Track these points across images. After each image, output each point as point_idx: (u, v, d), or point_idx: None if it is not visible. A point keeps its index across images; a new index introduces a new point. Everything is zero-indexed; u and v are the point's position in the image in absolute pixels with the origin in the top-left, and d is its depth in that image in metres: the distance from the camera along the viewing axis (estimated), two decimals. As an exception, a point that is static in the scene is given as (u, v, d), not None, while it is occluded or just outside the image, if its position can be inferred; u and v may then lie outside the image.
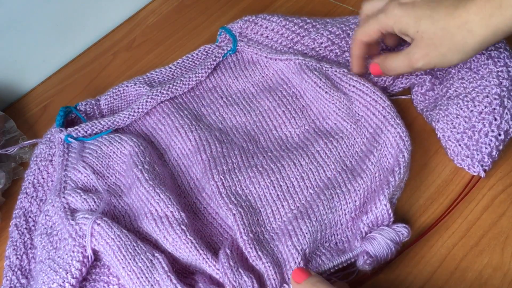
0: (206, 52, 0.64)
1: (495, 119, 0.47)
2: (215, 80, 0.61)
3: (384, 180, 0.45)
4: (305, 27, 0.60)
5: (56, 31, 0.70)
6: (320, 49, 0.58)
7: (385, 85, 0.55)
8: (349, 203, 0.47)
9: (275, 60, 0.59)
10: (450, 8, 0.41)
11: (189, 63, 0.64)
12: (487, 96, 0.48)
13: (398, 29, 0.45)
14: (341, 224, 0.46)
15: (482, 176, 0.48)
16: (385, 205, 0.44)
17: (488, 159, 0.47)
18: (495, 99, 0.47)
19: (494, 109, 0.47)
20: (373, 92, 0.51)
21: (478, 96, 0.48)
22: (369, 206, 0.45)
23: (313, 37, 0.59)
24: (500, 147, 0.48)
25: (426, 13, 0.42)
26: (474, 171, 0.48)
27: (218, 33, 0.64)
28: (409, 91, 0.56)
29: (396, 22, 0.45)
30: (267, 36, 0.61)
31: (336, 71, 0.54)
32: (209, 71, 0.61)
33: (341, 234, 0.46)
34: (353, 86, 0.52)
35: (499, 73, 0.47)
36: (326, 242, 0.45)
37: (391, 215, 0.44)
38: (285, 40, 0.60)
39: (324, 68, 0.55)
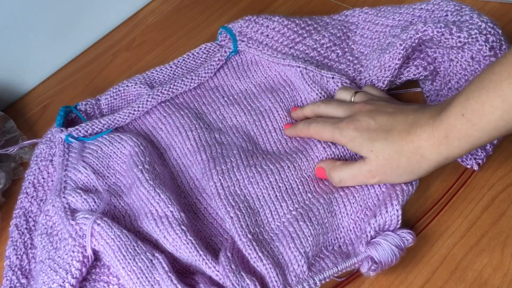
0: (207, 50, 0.64)
1: None
2: (217, 80, 0.61)
3: (397, 186, 0.45)
4: (307, 28, 0.60)
5: (56, 31, 0.70)
6: (322, 49, 0.58)
7: (392, 79, 0.54)
8: (347, 206, 0.46)
9: (277, 63, 0.59)
10: (403, 133, 0.43)
11: (190, 62, 0.64)
12: None
13: (351, 147, 0.46)
14: (343, 227, 0.46)
15: (475, 169, 0.48)
16: (397, 210, 0.44)
17: (482, 152, 0.48)
18: None
19: None
20: None
21: None
22: (379, 210, 0.44)
23: (315, 38, 0.59)
24: (495, 142, 0.48)
25: (380, 136, 0.44)
26: (467, 164, 0.48)
27: (219, 32, 0.64)
28: (417, 84, 0.56)
29: (349, 142, 0.46)
30: (267, 35, 0.61)
31: (338, 82, 0.54)
32: (212, 74, 0.61)
33: (344, 237, 0.46)
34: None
35: None
36: (329, 246, 0.45)
37: (400, 221, 0.44)
38: (286, 40, 0.60)
39: (325, 78, 0.55)
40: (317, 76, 0.55)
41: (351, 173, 0.46)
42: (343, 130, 0.46)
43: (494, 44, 0.48)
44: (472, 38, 0.48)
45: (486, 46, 0.48)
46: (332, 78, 0.55)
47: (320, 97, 0.54)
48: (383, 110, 0.46)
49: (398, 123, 0.44)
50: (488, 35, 0.48)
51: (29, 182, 0.55)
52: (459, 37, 0.48)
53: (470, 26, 0.49)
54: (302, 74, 0.56)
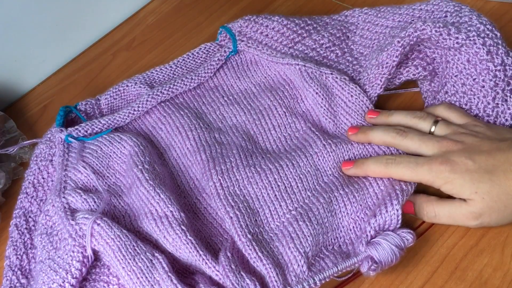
0: (207, 50, 0.64)
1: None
2: (217, 80, 0.61)
3: (397, 185, 0.46)
4: (306, 28, 0.60)
5: (56, 31, 0.70)
6: (321, 50, 0.58)
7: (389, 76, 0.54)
8: (347, 205, 0.46)
9: (276, 63, 0.59)
10: (508, 173, 0.41)
11: (190, 62, 0.64)
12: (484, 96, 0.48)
13: (448, 189, 0.43)
14: (343, 227, 0.46)
15: None
16: (397, 210, 0.44)
17: None
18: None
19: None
20: (371, 105, 0.52)
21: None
22: (379, 209, 0.44)
23: (314, 38, 0.59)
24: None
25: (485, 177, 0.42)
26: None
27: (219, 31, 0.64)
28: (417, 84, 0.56)
29: (447, 184, 0.43)
30: (267, 35, 0.61)
31: (337, 78, 0.54)
32: (211, 74, 0.61)
33: (344, 237, 0.46)
34: (356, 98, 0.53)
35: (496, 73, 0.47)
36: (329, 245, 0.45)
37: (400, 220, 0.44)
38: (285, 40, 0.60)
39: (324, 75, 0.55)
40: (315, 72, 0.55)
41: (448, 211, 0.44)
42: (438, 172, 0.43)
43: (491, 48, 0.47)
44: (470, 40, 0.48)
45: (483, 49, 0.47)
46: (331, 74, 0.55)
47: (317, 93, 0.54)
48: (478, 148, 0.43)
49: (500, 163, 0.42)
50: (486, 38, 0.47)
51: (29, 182, 0.55)
52: (457, 38, 0.48)
53: (468, 28, 0.48)
54: (301, 71, 0.56)
